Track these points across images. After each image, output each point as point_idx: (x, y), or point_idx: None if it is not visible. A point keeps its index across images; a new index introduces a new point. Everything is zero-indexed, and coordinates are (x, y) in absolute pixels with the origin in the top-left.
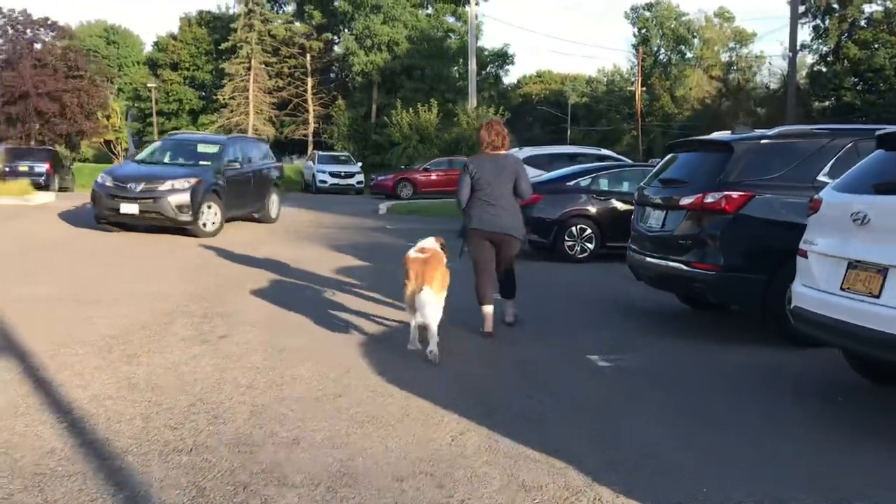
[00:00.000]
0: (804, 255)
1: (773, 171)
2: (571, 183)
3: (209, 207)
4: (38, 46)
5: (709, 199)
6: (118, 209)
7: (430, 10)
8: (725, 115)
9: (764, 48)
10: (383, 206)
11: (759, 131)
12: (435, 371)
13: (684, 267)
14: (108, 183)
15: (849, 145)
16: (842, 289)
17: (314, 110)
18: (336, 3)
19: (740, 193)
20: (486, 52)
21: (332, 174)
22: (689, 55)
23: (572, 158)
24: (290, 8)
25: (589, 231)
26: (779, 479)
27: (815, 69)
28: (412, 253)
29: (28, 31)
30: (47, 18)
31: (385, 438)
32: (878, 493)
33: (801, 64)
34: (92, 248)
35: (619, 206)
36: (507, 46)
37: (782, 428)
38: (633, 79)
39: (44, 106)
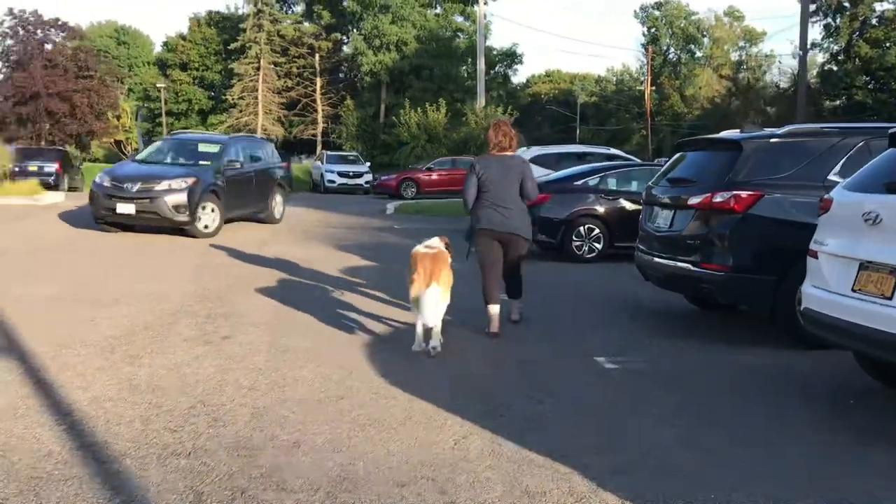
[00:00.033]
0: (814, 255)
1: (782, 170)
2: (579, 182)
3: (207, 207)
4: (48, 47)
5: (717, 199)
6: (114, 209)
7: (438, 10)
8: (735, 114)
9: (774, 47)
10: (391, 206)
11: (768, 130)
12: (439, 372)
13: (693, 267)
14: (106, 183)
15: (860, 144)
16: (853, 290)
17: (323, 110)
18: (345, 3)
19: (749, 193)
20: (495, 52)
21: (341, 174)
22: (698, 54)
23: (581, 158)
24: (299, 8)
25: (597, 231)
26: (790, 484)
27: (825, 68)
28: (420, 249)
29: (39, 31)
30: (58, 19)
31: (387, 442)
32: (891, 495)
33: (811, 63)
34: (96, 249)
35: (628, 205)
36: (516, 46)
37: (792, 431)
38: (642, 78)
39: (54, 106)
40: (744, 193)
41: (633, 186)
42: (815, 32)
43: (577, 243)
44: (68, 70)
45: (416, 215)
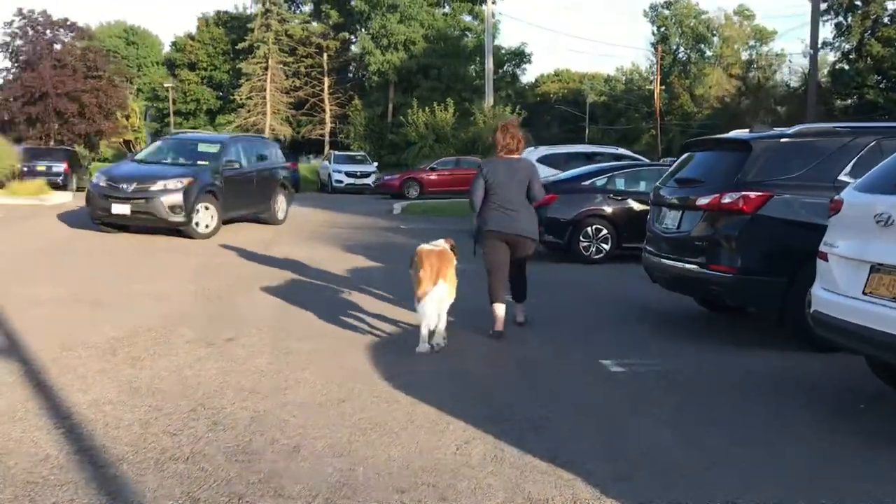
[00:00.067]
0: (824, 257)
1: (792, 170)
2: (587, 182)
3: (204, 208)
4: (57, 47)
5: (726, 200)
6: (110, 209)
7: (446, 9)
8: (745, 113)
9: (785, 46)
10: (397, 206)
11: (778, 130)
12: (443, 375)
13: (701, 269)
14: (102, 183)
15: (871, 144)
16: (864, 293)
17: (331, 110)
18: (353, 3)
19: (758, 193)
20: (504, 51)
21: (348, 174)
22: (708, 53)
23: (589, 158)
24: (307, 8)
25: (605, 231)
26: (798, 490)
27: (837, 67)
28: (425, 246)
29: (48, 31)
30: (66, 19)
31: (388, 447)
32: None
33: (822, 62)
34: (99, 249)
35: (636, 206)
36: (525, 45)
37: (803, 440)
38: (651, 77)
39: (63, 106)
40: (753, 194)
41: (642, 187)
42: (827, 31)
43: (585, 244)
44: (77, 70)
45: (423, 215)
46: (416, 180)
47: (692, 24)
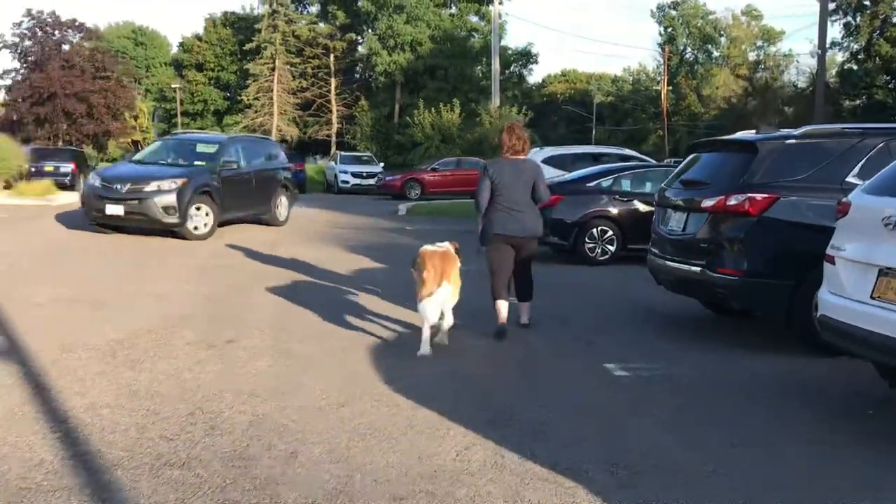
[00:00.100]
0: (831, 261)
1: (799, 172)
2: (592, 184)
3: (200, 209)
4: (65, 48)
5: (732, 202)
6: (104, 210)
7: (453, 10)
8: (752, 114)
9: (793, 46)
10: (402, 207)
11: (784, 131)
12: (444, 378)
13: (706, 271)
14: (97, 183)
15: (880, 145)
16: (872, 297)
17: (337, 111)
18: (359, 4)
19: (765, 195)
20: (510, 52)
21: (354, 174)
22: (715, 54)
23: (595, 158)
24: (314, 8)
25: (610, 233)
26: (805, 496)
27: (845, 67)
28: (428, 247)
29: (56, 32)
30: (75, 20)
31: (387, 452)
32: None
33: (831, 62)
34: (102, 250)
35: (642, 207)
36: (531, 45)
37: (808, 444)
38: (659, 78)
39: (71, 106)
40: (759, 196)
41: (648, 188)
42: (835, 31)
43: (590, 245)
44: (85, 70)
45: (428, 216)
46: (417, 181)
47: (699, 24)
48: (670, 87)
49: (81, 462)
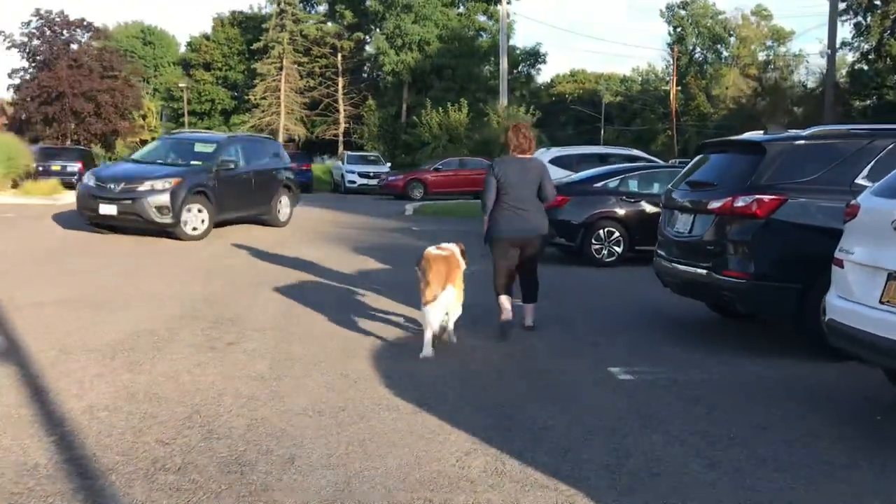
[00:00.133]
0: (840, 264)
1: (807, 173)
2: (599, 184)
3: (194, 209)
4: (74, 47)
5: (739, 203)
6: (97, 210)
7: (461, 9)
8: (762, 114)
9: (803, 46)
10: (409, 208)
11: (793, 131)
12: (446, 382)
13: (713, 274)
14: (91, 183)
15: (890, 146)
16: (881, 302)
17: (345, 110)
18: (367, 3)
19: (772, 197)
20: (518, 51)
21: (361, 174)
22: (725, 54)
23: (602, 159)
24: (322, 8)
25: (617, 234)
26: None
27: (855, 67)
28: (433, 251)
29: (64, 32)
30: (83, 19)
31: (385, 458)
32: None
33: (841, 62)
34: (104, 251)
35: (649, 208)
36: (539, 45)
37: (813, 449)
38: (668, 78)
39: (79, 106)
40: (766, 198)
41: (655, 188)
42: (845, 31)
43: (597, 247)
44: (93, 70)
45: (435, 217)
46: (419, 181)
47: (709, 24)
48: (679, 88)
49: (76, 466)
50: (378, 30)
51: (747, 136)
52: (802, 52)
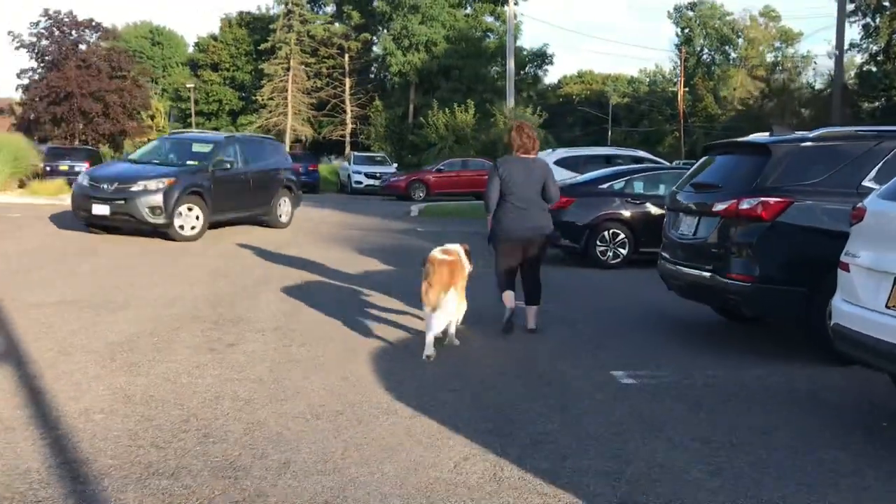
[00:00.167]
0: (846, 268)
1: (814, 175)
2: (604, 186)
3: (188, 210)
4: (82, 47)
5: (744, 206)
6: (90, 210)
7: (468, 10)
8: (769, 115)
9: (811, 48)
10: (415, 209)
11: (799, 133)
12: (446, 385)
13: (718, 277)
14: (85, 182)
15: None
16: (887, 307)
17: (352, 111)
18: (374, 4)
19: (778, 199)
20: (525, 52)
21: (368, 175)
22: (733, 55)
23: (608, 160)
24: (330, 8)
25: (622, 236)
26: None
27: (864, 69)
28: (437, 254)
29: (73, 32)
30: (91, 20)
31: (382, 463)
32: None
33: (850, 64)
34: (105, 251)
35: (654, 210)
36: (547, 46)
37: (823, 461)
38: (675, 79)
39: (87, 106)
40: (772, 200)
41: (661, 190)
42: (854, 32)
43: (602, 248)
44: (102, 70)
45: (441, 218)
46: (422, 182)
47: (716, 25)
48: (687, 89)
49: (68, 471)
50: (385, 30)
51: (752, 137)
52: (811, 53)
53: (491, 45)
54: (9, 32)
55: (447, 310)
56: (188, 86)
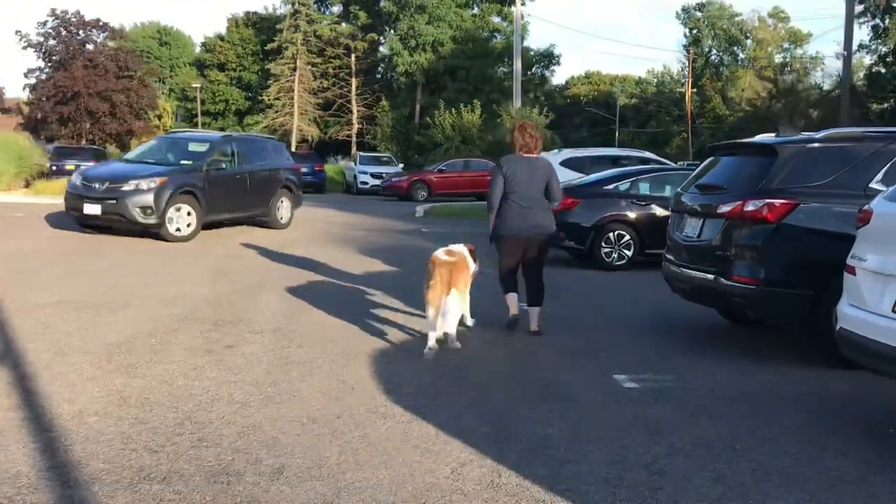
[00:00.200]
0: (852, 271)
1: (820, 177)
2: (610, 187)
3: (182, 210)
4: (89, 47)
5: (749, 207)
6: (82, 209)
7: (475, 10)
8: (777, 116)
9: (820, 49)
10: (419, 209)
11: (806, 134)
12: (445, 389)
13: (722, 279)
14: (78, 182)
15: None
16: (894, 311)
17: (358, 111)
18: (381, 4)
19: (783, 201)
20: (532, 53)
21: (374, 175)
22: (741, 56)
23: (614, 161)
24: (336, 8)
25: (627, 237)
26: None
27: (873, 70)
28: (440, 255)
29: (80, 32)
30: (98, 20)
31: (377, 468)
32: None
33: (858, 65)
34: (106, 251)
35: (660, 211)
36: (554, 46)
37: (829, 467)
38: (683, 80)
39: (94, 106)
40: (778, 202)
41: (666, 191)
42: (863, 34)
43: (607, 250)
44: (108, 70)
45: (446, 218)
46: (423, 182)
47: (725, 26)
48: (695, 90)
49: (59, 475)
50: (392, 31)
51: (758, 138)
52: (819, 54)
53: (498, 46)
54: (16, 32)
55: (449, 311)
56: (195, 86)
